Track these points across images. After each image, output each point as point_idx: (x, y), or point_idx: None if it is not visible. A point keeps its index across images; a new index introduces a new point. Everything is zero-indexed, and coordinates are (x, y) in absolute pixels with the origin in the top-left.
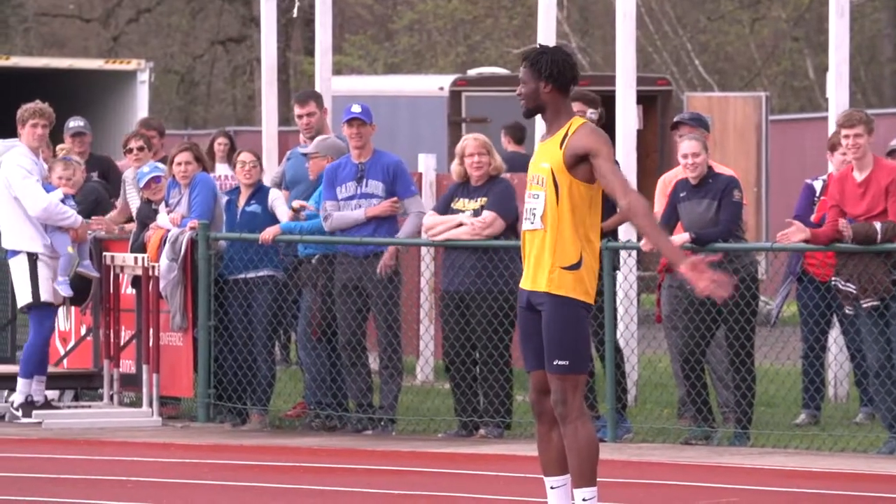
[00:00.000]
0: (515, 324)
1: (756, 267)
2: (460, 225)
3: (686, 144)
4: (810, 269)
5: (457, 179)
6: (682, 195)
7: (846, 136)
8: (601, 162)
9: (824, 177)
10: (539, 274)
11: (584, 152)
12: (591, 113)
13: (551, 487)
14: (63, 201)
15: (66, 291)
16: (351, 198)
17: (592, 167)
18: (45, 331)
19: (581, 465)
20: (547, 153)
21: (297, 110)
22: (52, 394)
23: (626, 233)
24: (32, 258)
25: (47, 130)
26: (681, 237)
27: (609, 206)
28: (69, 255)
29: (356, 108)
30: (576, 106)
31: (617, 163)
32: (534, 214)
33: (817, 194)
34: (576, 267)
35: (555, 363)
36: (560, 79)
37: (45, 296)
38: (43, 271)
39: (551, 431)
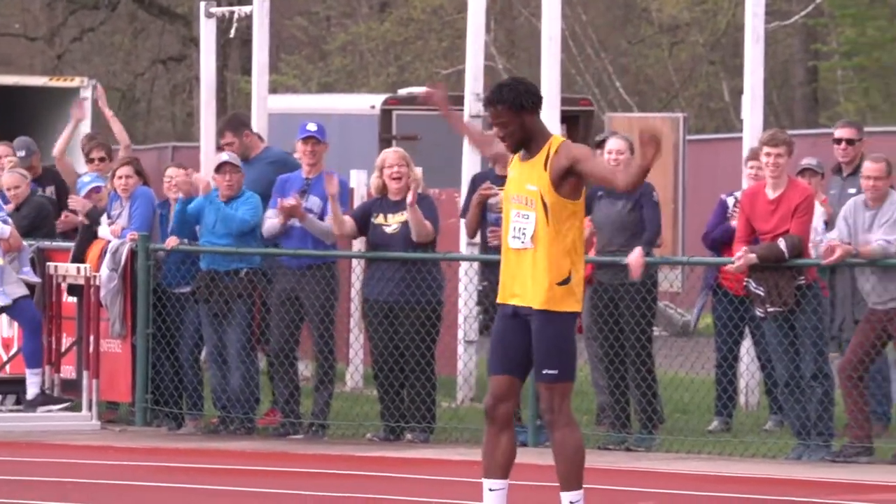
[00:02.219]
0: (440, 332)
1: (655, 274)
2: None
3: (612, 141)
4: (725, 283)
5: (375, 193)
6: (598, 194)
7: (768, 155)
8: (587, 165)
9: (737, 193)
10: (531, 291)
11: (568, 164)
12: None
13: (490, 489)
14: None
15: (2, 301)
16: None
17: (579, 176)
18: None
19: (569, 469)
20: (532, 175)
21: (219, 142)
22: None
23: None
24: None
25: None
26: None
27: None
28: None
29: (312, 127)
30: None
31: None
32: (524, 234)
33: (730, 209)
34: (567, 281)
35: (544, 372)
36: (538, 101)
37: None
38: None
39: (500, 435)
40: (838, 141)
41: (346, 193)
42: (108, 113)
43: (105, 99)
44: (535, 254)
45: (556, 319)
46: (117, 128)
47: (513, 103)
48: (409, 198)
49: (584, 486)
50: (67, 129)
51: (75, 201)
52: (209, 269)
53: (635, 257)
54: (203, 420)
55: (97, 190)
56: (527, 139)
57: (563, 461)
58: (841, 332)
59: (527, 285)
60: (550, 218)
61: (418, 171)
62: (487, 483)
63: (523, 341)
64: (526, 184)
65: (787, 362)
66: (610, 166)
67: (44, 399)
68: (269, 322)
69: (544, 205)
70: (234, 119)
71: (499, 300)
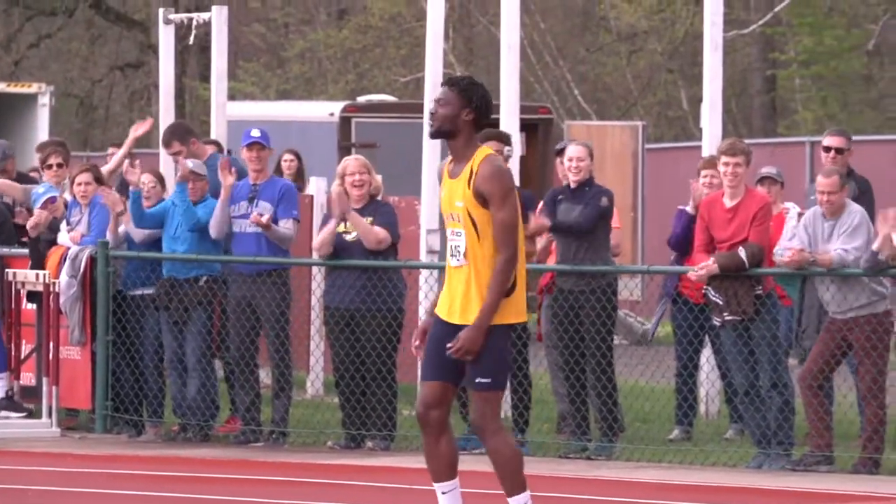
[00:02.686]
0: (401, 340)
1: (616, 281)
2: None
3: (572, 148)
4: (685, 292)
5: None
6: (559, 198)
7: (726, 164)
8: (496, 214)
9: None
10: (468, 308)
11: (487, 197)
12: (508, 150)
13: (442, 493)
14: None
15: None
16: (244, 216)
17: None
18: None
19: (509, 475)
20: (458, 192)
21: (166, 152)
22: None
23: None
24: None
25: None
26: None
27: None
28: None
29: (255, 133)
30: (493, 145)
31: (516, 196)
32: (458, 251)
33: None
34: (509, 293)
35: (477, 381)
36: (484, 113)
37: None
38: None
39: (438, 441)
40: (827, 149)
41: (295, 197)
42: (124, 152)
43: (132, 141)
44: (469, 270)
45: (491, 333)
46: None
47: (463, 92)
48: (342, 208)
49: (528, 488)
50: (128, 141)
51: (38, 216)
52: (169, 276)
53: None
54: (164, 427)
55: (52, 200)
56: (451, 134)
57: (501, 468)
58: (802, 341)
59: (466, 303)
60: (480, 233)
61: (378, 178)
62: (438, 487)
63: None
64: (455, 201)
65: (747, 371)
66: (505, 235)
67: (7, 404)
68: (228, 329)
69: (472, 221)
70: (178, 128)
71: (437, 312)
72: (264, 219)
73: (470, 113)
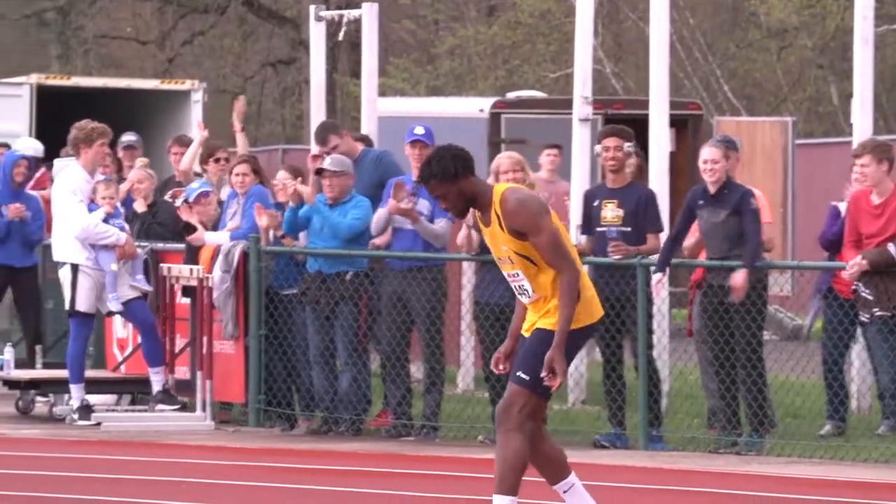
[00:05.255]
0: None
1: (766, 277)
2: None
3: (706, 150)
4: (836, 286)
5: None
6: (700, 202)
7: (854, 165)
8: (537, 241)
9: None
10: (549, 320)
11: (522, 231)
12: (628, 146)
13: (563, 492)
14: (107, 220)
15: (115, 307)
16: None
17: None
18: (80, 339)
19: (504, 472)
20: (499, 237)
21: (319, 149)
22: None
23: None
24: (74, 269)
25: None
26: (741, 275)
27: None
28: (113, 273)
29: (419, 131)
30: (612, 141)
31: (549, 216)
32: (525, 290)
33: (842, 215)
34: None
35: (517, 374)
36: (467, 165)
37: (82, 306)
38: (83, 282)
39: (539, 449)
40: None
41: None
42: (238, 126)
43: (242, 113)
44: (543, 299)
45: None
46: (242, 142)
47: (443, 175)
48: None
49: (517, 496)
50: (195, 143)
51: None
52: (316, 272)
53: (738, 280)
54: (316, 421)
55: (205, 195)
56: (469, 203)
57: (501, 463)
58: None
59: (544, 320)
60: (539, 264)
61: (531, 175)
62: (558, 488)
63: None
64: (501, 246)
65: (894, 373)
66: (559, 256)
67: (162, 398)
68: (373, 324)
69: (523, 258)
70: (329, 125)
71: (523, 333)
72: (403, 203)
73: (462, 181)
